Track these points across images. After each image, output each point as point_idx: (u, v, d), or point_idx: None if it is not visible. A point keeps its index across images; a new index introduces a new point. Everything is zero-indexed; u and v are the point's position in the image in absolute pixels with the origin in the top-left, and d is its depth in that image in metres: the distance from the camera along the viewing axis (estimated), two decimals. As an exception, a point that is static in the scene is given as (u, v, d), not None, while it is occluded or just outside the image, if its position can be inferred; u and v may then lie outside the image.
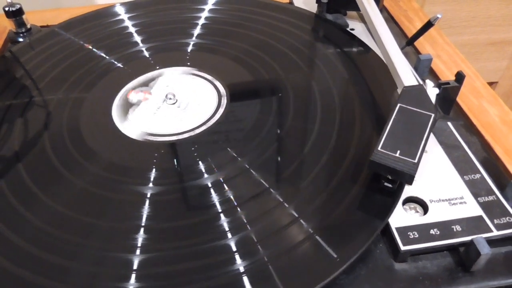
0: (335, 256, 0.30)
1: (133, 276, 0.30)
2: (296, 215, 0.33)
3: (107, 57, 0.50)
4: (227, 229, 0.32)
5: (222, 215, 0.33)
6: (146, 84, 0.46)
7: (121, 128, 0.41)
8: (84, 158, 0.39)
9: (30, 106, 0.44)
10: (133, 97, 0.45)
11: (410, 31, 0.55)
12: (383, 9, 0.58)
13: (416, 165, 0.31)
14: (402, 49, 0.50)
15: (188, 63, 0.49)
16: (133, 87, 0.46)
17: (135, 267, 0.30)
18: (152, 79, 0.47)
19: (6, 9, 0.54)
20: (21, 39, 0.55)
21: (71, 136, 0.41)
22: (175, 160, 0.38)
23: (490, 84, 0.99)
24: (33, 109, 0.44)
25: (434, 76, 0.48)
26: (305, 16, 0.55)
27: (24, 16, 0.55)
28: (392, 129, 0.33)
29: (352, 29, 0.53)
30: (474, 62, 0.93)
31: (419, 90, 0.36)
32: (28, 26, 0.56)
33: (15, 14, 0.54)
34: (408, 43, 0.51)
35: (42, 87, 0.46)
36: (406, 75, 0.38)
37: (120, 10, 0.57)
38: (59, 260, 0.31)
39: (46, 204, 0.35)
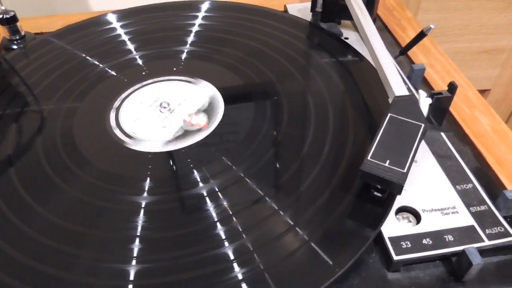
0: (330, 263, 0.30)
1: (128, 287, 0.30)
2: (292, 223, 0.33)
3: (100, 65, 0.50)
4: (223, 238, 0.32)
5: (217, 224, 0.33)
6: (140, 92, 0.46)
7: (115, 136, 0.41)
8: (77, 167, 0.38)
9: (23, 114, 0.44)
10: (128, 104, 0.45)
11: (404, 40, 0.55)
12: (376, 18, 0.59)
13: (405, 175, 0.31)
14: (395, 58, 0.51)
15: (182, 71, 0.49)
16: (127, 95, 0.46)
17: (129, 277, 0.30)
18: (146, 87, 0.47)
19: (0, 16, 0.54)
20: (15, 47, 0.54)
21: (64, 145, 0.41)
22: (169, 169, 0.38)
23: (483, 91, 1.00)
24: (26, 117, 0.44)
25: (427, 85, 0.49)
26: (300, 24, 0.56)
27: (18, 24, 0.55)
28: (382, 138, 0.34)
29: (346, 38, 0.54)
30: (466, 69, 0.94)
31: (410, 100, 0.37)
32: (22, 34, 0.56)
33: (9, 22, 0.54)
34: (401, 52, 0.51)
35: (35, 95, 0.46)
36: (397, 85, 0.38)
37: (113, 18, 0.57)
38: (52, 271, 0.31)
39: (39, 214, 0.35)
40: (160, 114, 0.44)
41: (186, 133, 0.41)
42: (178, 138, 0.41)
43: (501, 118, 1.04)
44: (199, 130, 0.41)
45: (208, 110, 0.44)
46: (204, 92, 0.46)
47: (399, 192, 0.32)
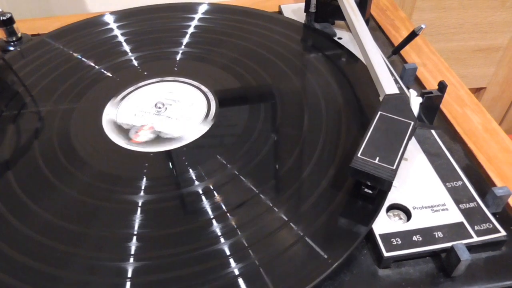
0: (325, 256, 0.31)
1: (126, 284, 0.30)
2: (286, 219, 0.34)
3: (96, 66, 0.51)
4: (218, 234, 0.33)
5: (213, 221, 0.34)
6: (136, 93, 0.47)
7: (111, 137, 0.42)
8: (74, 167, 0.39)
9: (20, 116, 0.45)
10: (124, 105, 0.45)
11: (397, 40, 0.56)
12: (370, 18, 0.59)
13: (394, 171, 0.32)
14: (388, 58, 0.51)
15: (177, 72, 0.49)
16: (123, 96, 0.46)
17: (127, 275, 0.31)
18: (142, 88, 0.48)
19: (-3, 18, 0.54)
20: (12, 48, 0.55)
21: (61, 145, 0.41)
22: (165, 168, 0.39)
23: (479, 89, 1.00)
24: (24, 119, 0.44)
25: (419, 84, 0.49)
26: (294, 25, 0.56)
27: (15, 25, 0.55)
28: (372, 136, 0.34)
29: (340, 38, 0.54)
30: (462, 68, 0.95)
31: (400, 99, 0.37)
32: (19, 35, 0.56)
33: (6, 23, 0.54)
34: (393, 52, 0.52)
35: (32, 97, 0.47)
36: (388, 84, 0.39)
37: (109, 19, 0.58)
38: (50, 269, 0.31)
39: (36, 213, 0.35)
40: (156, 115, 0.44)
41: (180, 133, 0.42)
42: (173, 138, 0.41)
43: (497, 116, 1.05)
44: (195, 130, 0.42)
45: (203, 110, 0.44)
46: (200, 92, 0.46)
47: (388, 189, 0.32)
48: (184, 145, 0.41)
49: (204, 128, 0.42)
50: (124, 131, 0.42)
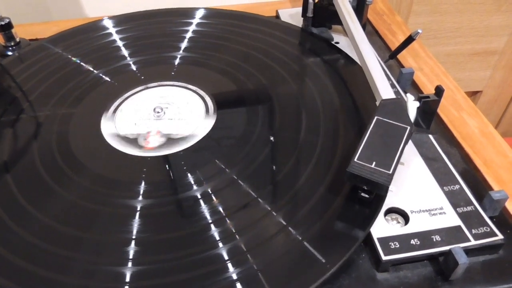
0: (323, 260, 0.31)
1: (123, 288, 0.30)
2: (284, 223, 0.34)
3: (95, 71, 0.51)
4: (217, 239, 0.33)
5: (211, 226, 0.34)
6: (134, 97, 0.47)
7: (110, 141, 0.42)
8: (73, 172, 0.39)
9: (19, 120, 0.45)
10: (123, 109, 0.45)
11: (394, 44, 0.56)
12: (367, 23, 0.60)
13: (391, 176, 0.32)
14: (385, 62, 0.52)
15: (176, 77, 0.50)
16: (122, 101, 0.47)
17: (126, 279, 0.31)
18: (140, 93, 0.48)
19: (-5, 23, 0.54)
20: (10, 53, 0.55)
21: (60, 150, 0.41)
22: (164, 172, 0.39)
23: (475, 93, 1.01)
24: (22, 123, 0.44)
25: (416, 88, 0.50)
26: (291, 30, 0.56)
27: (13, 30, 0.55)
28: (368, 140, 0.34)
29: (337, 43, 0.55)
30: (459, 71, 0.95)
31: (396, 103, 0.37)
32: (17, 40, 0.56)
33: (4, 28, 0.54)
34: (390, 56, 0.52)
35: (31, 101, 0.47)
36: (384, 89, 0.39)
37: (108, 24, 0.58)
38: (48, 274, 0.31)
39: (35, 218, 0.35)
40: (154, 119, 0.44)
41: (179, 137, 0.42)
42: (171, 142, 0.42)
43: (493, 119, 1.05)
44: (193, 134, 0.42)
45: (201, 114, 0.44)
46: (198, 97, 0.47)
47: (385, 193, 0.32)
48: (182, 149, 0.41)
49: (202, 133, 0.42)
50: (130, 140, 0.42)
